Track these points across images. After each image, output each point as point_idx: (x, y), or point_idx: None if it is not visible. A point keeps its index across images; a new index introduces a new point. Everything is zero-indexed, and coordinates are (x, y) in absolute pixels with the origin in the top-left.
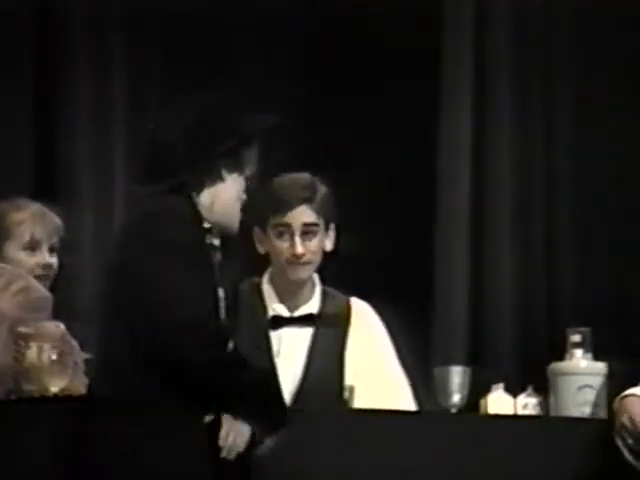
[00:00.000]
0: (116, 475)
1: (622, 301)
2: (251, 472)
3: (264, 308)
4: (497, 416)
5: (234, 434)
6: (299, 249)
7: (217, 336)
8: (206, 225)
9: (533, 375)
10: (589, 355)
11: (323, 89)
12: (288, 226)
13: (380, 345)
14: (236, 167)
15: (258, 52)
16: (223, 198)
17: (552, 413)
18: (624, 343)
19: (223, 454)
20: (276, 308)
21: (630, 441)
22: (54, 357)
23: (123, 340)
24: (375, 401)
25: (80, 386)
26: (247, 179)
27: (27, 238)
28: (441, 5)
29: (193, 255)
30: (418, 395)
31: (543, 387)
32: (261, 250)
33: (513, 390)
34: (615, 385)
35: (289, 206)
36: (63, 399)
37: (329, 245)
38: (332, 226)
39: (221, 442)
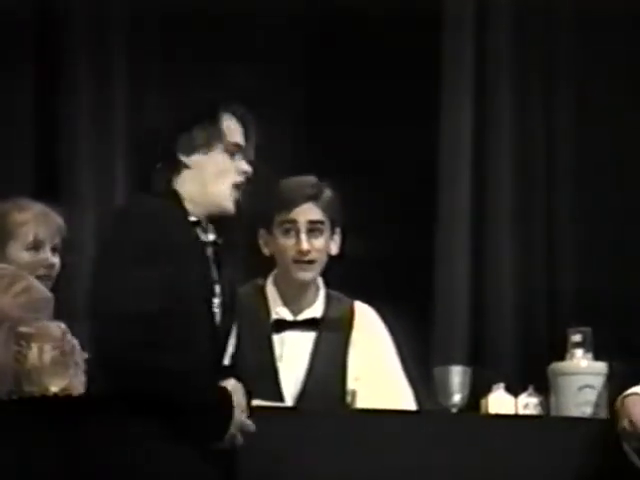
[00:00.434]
0: (116, 475)
1: (623, 301)
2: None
3: (267, 311)
4: (498, 416)
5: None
6: (304, 245)
7: (165, 337)
8: (193, 219)
9: (534, 375)
10: (590, 355)
11: (323, 89)
12: (294, 222)
13: (383, 350)
14: (214, 140)
15: (258, 52)
16: (208, 175)
17: (553, 413)
18: (625, 343)
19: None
20: (280, 311)
21: (635, 444)
22: (55, 357)
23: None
24: (377, 406)
25: (80, 386)
26: (236, 151)
27: (31, 238)
28: (441, 5)
29: (147, 252)
30: (419, 396)
31: (544, 387)
32: (266, 252)
33: (514, 390)
34: (616, 385)
35: (295, 203)
36: (63, 399)
37: (334, 249)
38: (338, 230)
39: None
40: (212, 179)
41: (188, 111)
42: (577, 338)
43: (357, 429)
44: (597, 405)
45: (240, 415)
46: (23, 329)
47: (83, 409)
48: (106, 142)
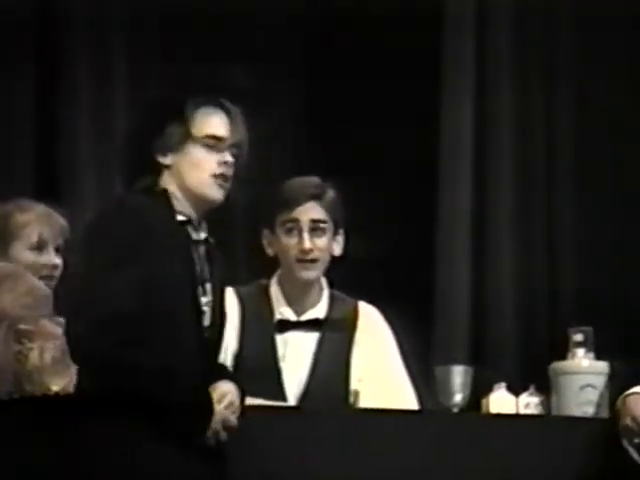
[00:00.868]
0: (116, 474)
1: (623, 300)
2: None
3: (271, 311)
4: (499, 415)
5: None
6: (307, 244)
7: (145, 336)
8: (181, 218)
9: (535, 374)
10: (591, 354)
11: (323, 89)
12: (297, 221)
13: (386, 351)
14: (185, 136)
15: (258, 52)
16: (184, 170)
17: (554, 412)
18: (626, 342)
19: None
20: (283, 312)
21: (637, 441)
22: (56, 356)
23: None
24: (380, 407)
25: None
26: (215, 143)
27: (35, 239)
28: (441, 5)
29: (127, 252)
30: (421, 397)
31: (545, 386)
32: (270, 252)
33: (515, 389)
34: (617, 385)
35: (298, 202)
36: (63, 398)
37: (337, 250)
38: (341, 231)
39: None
40: (188, 172)
41: (157, 112)
42: (578, 338)
43: (359, 429)
44: (598, 405)
45: (222, 412)
46: (23, 327)
47: (76, 408)
48: (106, 142)
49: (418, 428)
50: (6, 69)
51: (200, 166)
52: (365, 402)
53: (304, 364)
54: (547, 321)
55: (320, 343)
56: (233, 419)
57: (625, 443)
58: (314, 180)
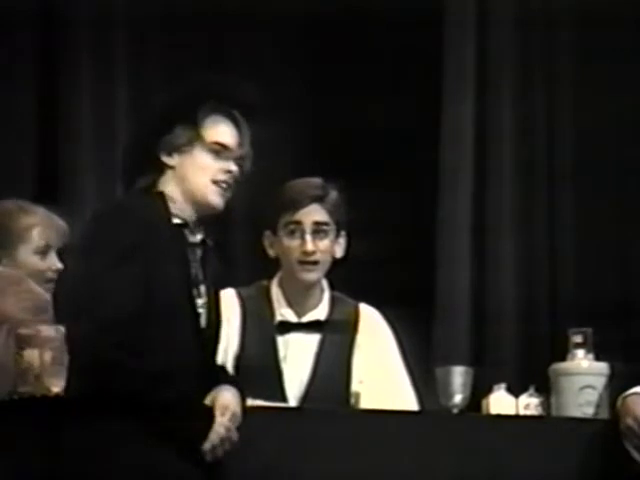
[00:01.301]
0: (115, 475)
1: (624, 301)
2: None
3: (272, 312)
4: (499, 416)
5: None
6: (309, 246)
7: (141, 340)
8: (177, 221)
9: (535, 375)
10: (591, 355)
11: (324, 89)
12: (299, 224)
13: (387, 352)
14: (195, 139)
15: (258, 52)
16: (187, 173)
17: (554, 413)
18: (626, 343)
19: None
20: (284, 313)
21: (637, 441)
22: (56, 358)
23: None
24: (380, 408)
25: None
26: (222, 151)
27: (43, 243)
28: (443, 4)
29: (124, 254)
30: (422, 398)
31: (545, 387)
32: (271, 253)
33: (515, 390)
34: (617, 385)
35: (300, 204)
36: (63, 399)
37: (339, 252)
38: (343, 233)
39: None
40: (191, 175)
41: (169, 111)
42: (578, 338)
43: (359, 430)
44: (598, 405)
45: (225, 424)
46: (23, 331)
47: (76, 409)
48: (106, 142)
49: (418, 429)
50: (7, 69)
51: (204, 170)
52: (366, 404)
53: (305, 366)
54: (547, 322)
55: (321, 345)
56: (234, 435)
57: (627, 444)
58: (317, 181)
